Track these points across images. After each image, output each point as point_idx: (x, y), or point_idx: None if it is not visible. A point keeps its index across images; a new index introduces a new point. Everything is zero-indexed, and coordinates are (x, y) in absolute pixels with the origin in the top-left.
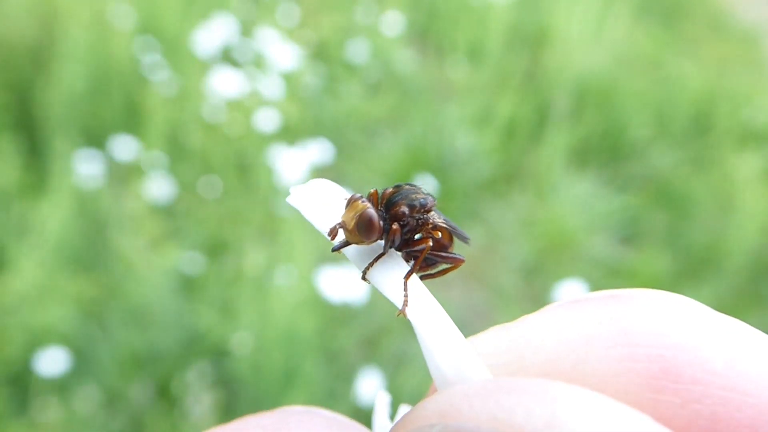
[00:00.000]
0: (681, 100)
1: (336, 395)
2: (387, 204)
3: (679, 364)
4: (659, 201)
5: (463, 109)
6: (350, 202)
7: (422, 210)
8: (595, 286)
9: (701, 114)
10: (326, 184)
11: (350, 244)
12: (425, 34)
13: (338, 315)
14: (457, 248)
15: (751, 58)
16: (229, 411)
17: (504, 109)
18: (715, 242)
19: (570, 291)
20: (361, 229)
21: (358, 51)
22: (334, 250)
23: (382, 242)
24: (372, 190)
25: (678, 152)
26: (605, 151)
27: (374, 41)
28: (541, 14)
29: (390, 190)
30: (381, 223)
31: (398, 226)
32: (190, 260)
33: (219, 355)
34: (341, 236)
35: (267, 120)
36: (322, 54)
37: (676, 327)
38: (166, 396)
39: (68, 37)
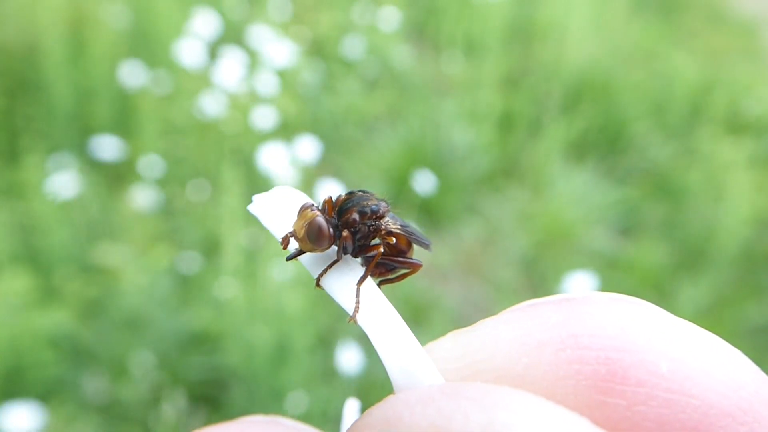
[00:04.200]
0: (678, 92)
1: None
2: (339, 211)
3: (625, 367)
4: (657, 193)
5: (461, 104)
6: (301, 211)
7: (374, 216)
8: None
9: (698, 105)
10: (289, 192)
11: (304, 252)
12: (422, 30)
13: (325, 300)
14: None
15: (749, 49)
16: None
17: (501, 104)
18: (712, 233)
19: (577, 283)
20: (311, 237)
21: (355, 47)
22: (288, 259)
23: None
24: (326, 198)
25: (675, 144)
26: (603, 144)
27: (371, 37)
28: (538, 8)
29: (343, 197)
30: (331, 230)
31: (349, 233)
32: (186, 258)
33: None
34: (295, 244)
35: (264, 117)
36: (319, 51)
37: (625, 330)
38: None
39: (57, 39)
